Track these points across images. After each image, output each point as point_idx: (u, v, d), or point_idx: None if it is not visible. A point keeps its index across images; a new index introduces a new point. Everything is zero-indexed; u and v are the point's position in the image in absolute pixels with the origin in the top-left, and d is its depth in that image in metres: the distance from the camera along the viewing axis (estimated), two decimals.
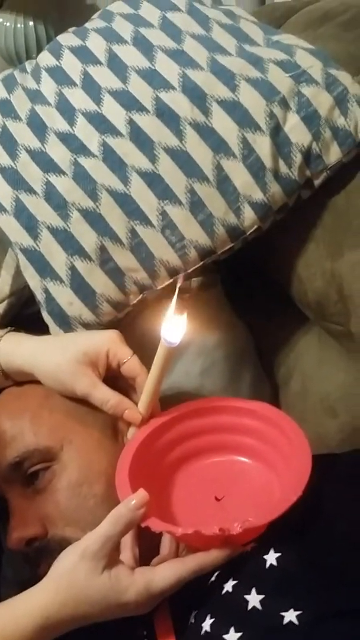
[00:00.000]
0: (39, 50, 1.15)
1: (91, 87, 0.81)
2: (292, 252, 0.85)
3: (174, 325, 0.65)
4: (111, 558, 0.61)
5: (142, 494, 0.61)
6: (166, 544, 0.67)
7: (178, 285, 0.67)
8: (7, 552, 0.84)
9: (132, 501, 0.61)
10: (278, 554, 0.60)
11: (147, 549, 0.66)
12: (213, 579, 0.62)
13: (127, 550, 0.65)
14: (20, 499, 0.70)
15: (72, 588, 0.60)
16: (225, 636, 0.57)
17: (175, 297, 0.65)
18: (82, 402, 0.72)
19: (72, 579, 0.60)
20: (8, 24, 1.17)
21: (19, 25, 1.15)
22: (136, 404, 0.71)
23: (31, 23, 1.17)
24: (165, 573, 0.61)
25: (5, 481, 0.71)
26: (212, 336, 0.85)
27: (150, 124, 0.78)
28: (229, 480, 0.70)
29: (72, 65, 0.83)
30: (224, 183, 0.77)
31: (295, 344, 0.93)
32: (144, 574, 0.61)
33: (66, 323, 0.80)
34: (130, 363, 0.71)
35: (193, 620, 0.61)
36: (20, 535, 0.68)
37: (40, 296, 0.80)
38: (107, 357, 0.71)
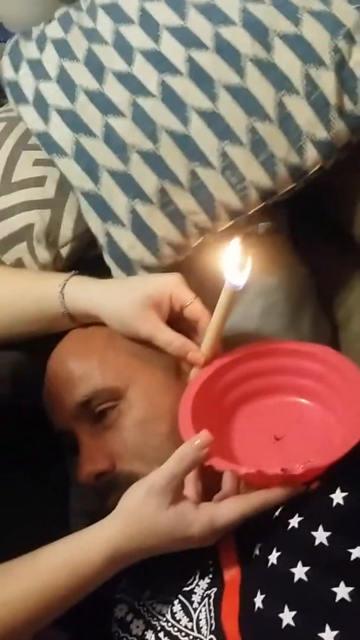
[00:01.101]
0: None
1: (149, 24, 0.79)
2: (354, 191, 0.83)
3: (239, 268, 0.65)
4: (176, 494, 0.63)
5: (205, 435, 0.63)
6: (228, 482, 0.69)
7: (244, 228, 0.66)
8: (75, 485, 0.88)
9: (197, 441, 0.63)
10: (345, 494, 0.61)
11: (209, 485, 0.68)
12: (277, 514, 0.64)
13: (191, 486, 0.67)
14: (89, 436, 0.73)
15: (140, 522, 0.63)
16: (292, 569, 0.59)
17: (240, 240, 0.65)
18: (146, 343, 0.73)
19: (140, 514, 0.63)
20: None
21: None
22: (199, 345, 0.72)
23: None
24: (228, 509, 0.63)
25: (75, 418, 0.73)
26: (272, 277, 0.85)
27: (210, 61, 0.76)
28: (288, 421, 0.71)
29: (129, 2, 0.82)
30: (286, 121, 0.75)
31: (356, 285, 0.92)
32: (208, 509, 0.63)
33: (128, 266, 0.81)
34: (193, 306, 0.72)
35: (258, 552, 0.64)
36: (90, 469, 0.71)
37: (102, 240, 0.81)
38: (170, 300, 0.72)
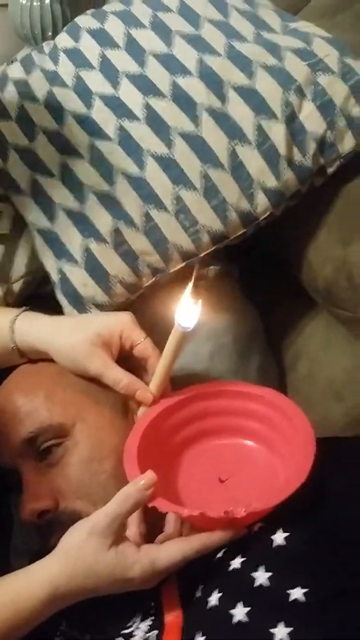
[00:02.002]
0: (55, 29, 1.15)
1: (109, 71, 0.82)
2: (303, 238, 0.86)
3: (189, 310, 0.66)
4: (118, 535, 0.63)
5: (150, 476, 0.63)
6: (171, 523, 0.68)
7: (195, 271, 0.68)
8: (18, 524, 0.86)
9: (141, 482, 0.63)
10: (286, 534, 0.62)
11: (152, 525, 0.68)
12: (220, 555, 0.64)
13: (134, 526, 0.67)
14: (33, 473, 0.72)
15: (81, 562, 0.62)
16: (232, 611, 0.59)
17: (191, 283, 0.67)
18: (94, 381, 0.73)
19: (80, 554, 0.62)
20: (24, 2, 1.16)
21: (35, 3, 1.15)
22: (147, 384, 0.72)
23: (47, 1, 1.16)
24: (170, 551, 0.63)
25: (19, 455, 0.73)
26: (222, 320, 0.87)
27: (166, 109, 0.79)
28: (234, 463, 0.72)
29: (90, 48, 0.84)
30: (238, 169, 0.78)
31: (303, 328, 0.94)
32: (150, 552, 0.63)
33: (80, 303, 0.82)
34: (143, 345, 0.73)
35: (199, 594, 0.64)
36: (33, 507, 0.70)
37: (55, 276, 0.82)
38: (120, 339, 0.73)
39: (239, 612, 0.59)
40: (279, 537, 0.62)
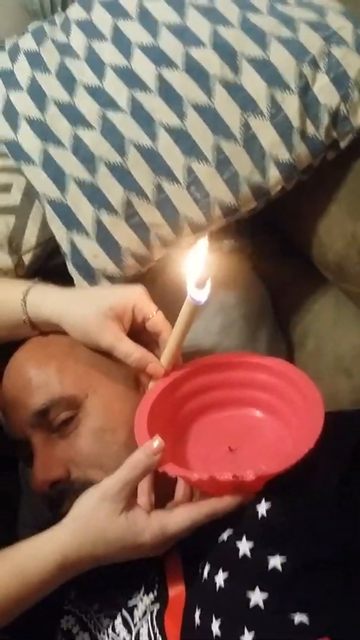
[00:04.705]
0: (64, 4, 1.14)
1: (121, 42, 0.81)
2: (313, 214, 0.86)
3: (202, 283, 0.66)
4: (129, 501, 0.63)
5: (158, 440, 0.64)
6: (180, 490, 0.69)
7: (208, 244, 0.67)
8: (28, 496, 0.87)
9: (150, 447, 0.63)
10: (268, 504, 0.62)
11: (162, 496, 0.68)
12: (219, 532, 0.64)
13: (144, 495, 0.67)
14: (45, 444, 0.72)
15: (91, 529, 0.63)
16: (215, 577, 0.60)
17: (204, 255, 0.66)
18: (106, 354, 0.73)
19: (91, 521, 0.63)
20: None
21: None
22: (159, 358, 0.72)
23: None
24: (180, 517, 0.63)
25: (31, 427, 0.72)
26: (232, 295, 0.87)
27: (179, 80, 0.78)
28: (243, 433, 0.72)
29: (102, 19, 0.83)
30: (250, 142, 0.77)
31: (312, 305, 0.94)
32: (160, 517, 0.64)
33: (91, 275, 0.82)
34: (155, 319, 0.73)
35: (200, 570, 0.64)
36: (44, 477, 0.70)
37: (65, 248, 0.81)
38: (132, 312, 0.72)
39: (219, 578, 0.60)
40: (262, 508, 0.62)
